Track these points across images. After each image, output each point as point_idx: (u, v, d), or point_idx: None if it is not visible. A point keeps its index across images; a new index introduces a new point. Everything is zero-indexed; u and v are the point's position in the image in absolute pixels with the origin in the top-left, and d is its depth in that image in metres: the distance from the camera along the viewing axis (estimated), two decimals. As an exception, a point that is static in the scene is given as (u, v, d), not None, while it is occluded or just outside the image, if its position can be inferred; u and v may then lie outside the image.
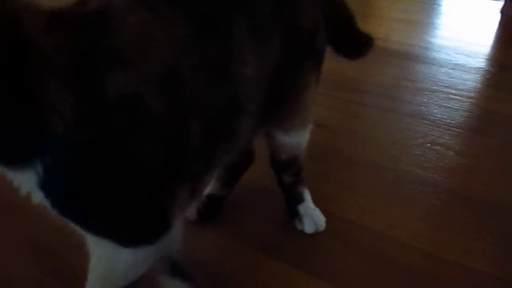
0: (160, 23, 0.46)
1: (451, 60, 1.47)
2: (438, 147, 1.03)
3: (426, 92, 1.27)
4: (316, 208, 0.81)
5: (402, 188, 0.90)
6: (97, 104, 0.41)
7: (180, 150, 0.48)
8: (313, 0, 0.66)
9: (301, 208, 0.80)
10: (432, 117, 1.14)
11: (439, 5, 2.17)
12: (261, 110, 0.57)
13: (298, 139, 0.76)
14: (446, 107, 1.20)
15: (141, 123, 0.44)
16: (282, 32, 0.58)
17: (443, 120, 1.13)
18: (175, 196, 0.50)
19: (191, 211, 0.58)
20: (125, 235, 0.48)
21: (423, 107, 1.19)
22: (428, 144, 1.04)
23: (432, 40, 1.67)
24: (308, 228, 0.79)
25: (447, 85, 1.31)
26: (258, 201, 0.88)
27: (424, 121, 1.13)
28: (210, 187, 0.83)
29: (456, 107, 1.20)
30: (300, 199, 0.81)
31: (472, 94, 1.27)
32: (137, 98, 0.43)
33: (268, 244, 0.78)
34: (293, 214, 0.81)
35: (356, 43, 0.80)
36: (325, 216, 0.81)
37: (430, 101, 1.23)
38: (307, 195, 0.81)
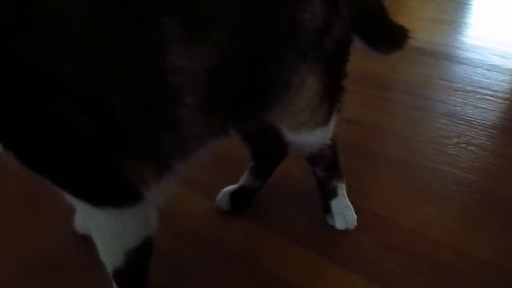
0: None
1: (485, 61, 1.45)
2: (473, 148, 1.02)
3: (461, 93, 1.26)
4: (349, 205, 0.81)
5: (436, 187, 0.90)
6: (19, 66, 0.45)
7: (104, 121, 0.50)
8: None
9: (334, 203, 0.81)
10: (467, 118, 1.14)
11: (470, 4, 2.14)
12: (222, 105, 0.57)
13: (309, 139, 0.75)
14: (481, 108, 1.19)
15: (54, 85, 0.47)
16: (254, 28, 0.57)
17: (478, 121, 1.12)
18: (131, 168, 0.54)
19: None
20: (87, 195, 0.54)
21: (457, 107, 1.18)
22: (463, 144, 1.03)
23: (466, 40, 1.65)
24: (339, 224, 0.80)
25: (482, 86, 1.30)
26: (293, 193, 0.89)
27: (459, 121, 1.12)
28: (242, 179, 0.84)
29: (491, 108, 1.18)
30: (333, 194, 0.82)
31: (508, 96, 1.25)
32: (53, 64, 0.46)
33: (301, 236, 0.79)
34: (326, 208, 0.82)
35: (390, 36, 0.79)
36: (358, 211, 0.82)
37: (464, 101, 1.22)
38: (341, 190, 0.82)
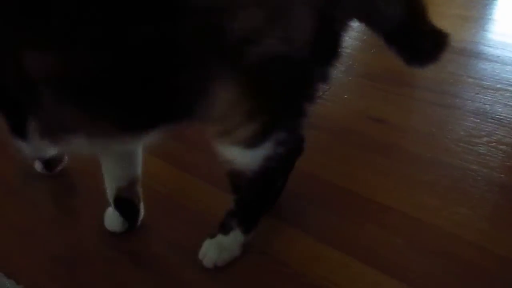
0: None
1: (515, 58, 1.43)
2: (504, 147, 1.00)
3: (490, 91, 1.24)
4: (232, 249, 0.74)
5: (468, 187, 0.89)
6: None
7: None
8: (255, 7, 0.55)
9: (219, 237, 0.74)
10: (497, 116, 1.12)
11: (500, 0, 2.10)
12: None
13: (229, 155, 0.66)
14: (511, 106, 1.16)
15: None
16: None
17: (509, 119, 1.10)
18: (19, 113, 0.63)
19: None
20: None
21: (487, 106, 1.16)
22: (494, 144, 1.01)
23: (494, 37, 1.62)
24: (207, 261, 0.73)
25: (511, 83, 1.27)
26: (317, 192, 0.89)
27: (489, 120, 1.10)
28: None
29: (522, 106, 1.16)
30: (224, 230, 0.74)
31: (539, 94, 1.23)
32: None
33: (329, 235, 0.79)
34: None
35: (430, 45, 0.71)
36: (387, 211, 0.82)
37: (494, 99, 1.19)
38: (234, 236, 0.73)
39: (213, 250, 0.73)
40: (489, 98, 1.20)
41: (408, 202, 0.85)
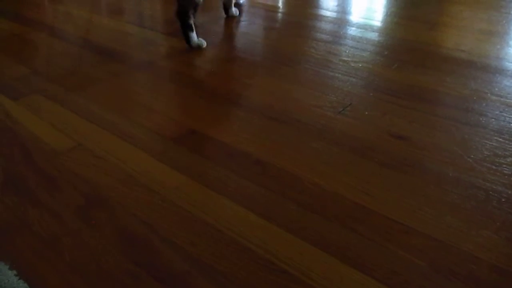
0: None
1: (541, 76, 1.41)
2: (529, 168, 0.99)
3: (515, 109, 1.22)
4: None
5: (492, 209, 0.88)
6: None
7: None
8: None
9: None
10: (522, 136, 1.10)
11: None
12: None
13: None
14: (536, 125, 1.15)
15: None
16: None
17: (534, 139, 1.09)
18: None
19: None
20: None
21: (511, 125, 1.15)
22: (519, 164, 1.00)
23: (519, 53, 1.60)
24: None
25: (537, 102, 1.26)
26: (339, 211, 0.89)
27: (514, 139, 1.09)
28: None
29: (548, 126, 1.14)
30: None
31: None
32: None
33: (350, 255, 0.79)
34: None
35: None
36: (410, 232, 0.82)
37: (519, 118, 1.18)
38: None
39: None
40: (514, 117, 1.19)
41: (431, 224, 0.85)
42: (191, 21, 1.67)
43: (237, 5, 2.18)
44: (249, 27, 2.01)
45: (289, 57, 1.62)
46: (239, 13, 2.09)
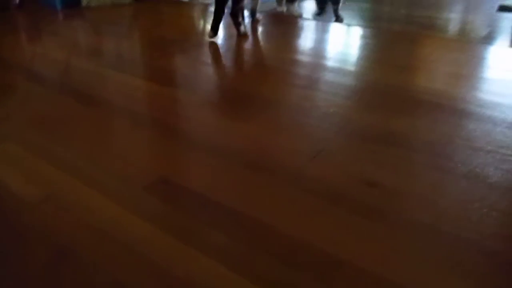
0: None
1: (506, 119, 1.46)
2: (495, 213, 1.01)
3: (481, 153, 1.26)
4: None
5: (460, 256, 0.89)
6: None
7: None
8: None
9: None
10: (488, 180, 1.13)
11: (488, 58, 2.16)
12: None
13: None
14: (502, 169, 1.18)
15: None
16: None
17: (500, 183, 1.12)
18: None
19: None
20: None
21: (478, 169, 1.18)
22: (485, 210, 1.02)
23: (485, 96, 1.66)
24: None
25: (502, 145, 1.30)
26: (310, 261, 0.89)
27: (480, 184, 1.12)
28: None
29: (513, 170, 1.18)
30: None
31: (530, 156, 1.25)
32: None
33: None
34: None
35: None
36: (380, 282, 0.82)
37: (485, 162, 1.22)
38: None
39: None
40: (481, 161, 1.22)
41: (402, 273, 0.85)
42: (240, 20, 2.55)
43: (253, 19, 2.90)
44: (223, 71, 2.04)
45: (264, 102, 1.65)
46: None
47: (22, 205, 1.07)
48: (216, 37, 2.48)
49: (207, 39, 2.48)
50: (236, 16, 2.53)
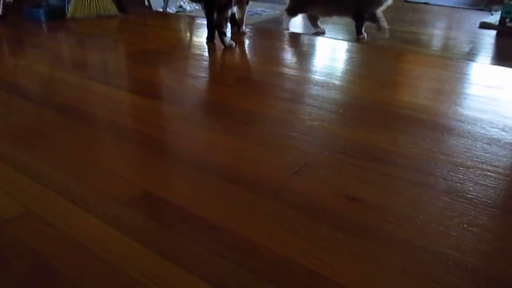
0: None
1: (485, 134, 1.48)
2: (474, 229, 1.03)
3: (461, 168, 1.28)
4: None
5: (439, 272, 0.90)
6: None
7: None
8: None
9: None
10: (468, 195, 1.15)
11: (470, 74, 2.21)
12: None
13: None
14: (482, 184, 1.20)
15: None
16: None
17: (479, 199, 1.13)
18: None
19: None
20: None
21: (458, 184, 1.20)
22: (465, 225, 1.04)
23: (465, 112, 1.68)
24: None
25: (482, 160, 1.32)
26: (290, 278, 0.89)
27: (460, 199, 1.13)
28: None
29: (492, 185, 1.20)
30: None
31: (509, 172, 1.27)
32: None
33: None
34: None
35: None
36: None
37: (465, 177, 1.23)
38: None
39: None
40: (460, 176, 1.24)
41: (381, 289, 0.86)
42: (224, 29, 2.55)
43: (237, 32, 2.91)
44: (207, 84, 2.05)
45: (248, 115, 1.65)
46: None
47: (0, 220, 1.05)
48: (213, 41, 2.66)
49: (204, 45, 2.49)
50: (220, 26, 2.53)
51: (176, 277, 0.89)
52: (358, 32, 2.81)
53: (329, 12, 2.89)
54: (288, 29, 3.03)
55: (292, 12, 3.03)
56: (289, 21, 3.05)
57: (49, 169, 1.28)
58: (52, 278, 0.88)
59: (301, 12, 3.06)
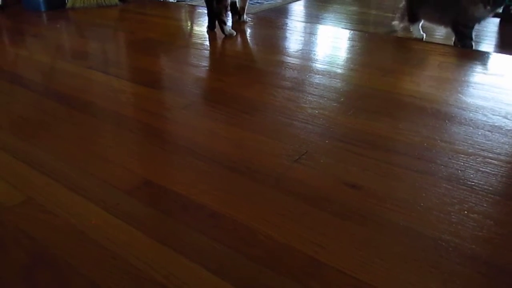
0: None
1: (487, 122, 1.48)
2: (475, 215, 1.02)
3: (463, 155, 1.27)
4: None
5: (439, 259, 0.90)
6: None
7: None
8: None
9: None
10: (469, 182, 1.14)
11: (472, 62, 2.19)
12: None
13: None
14: (483, 171, 1.19)
15: None
16: None
17: (480, 186, 1.13)
18: None
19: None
20: None
21: (459, 172, 1.19)
22: (465, 212, 1.03)
23: (467, 99, 1.67)
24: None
25: (484, 148, 1.31)
26: (291, 265, 0.89)
27: (461, 187, 1.13)
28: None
29: (494, 172, 1.19)
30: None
31: (511, 159, 1.26)
32: None
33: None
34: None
35: None
36: (357, 284, 0.82)
37: (466, 164, 1.23)
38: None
39: None
40: (462, 163, 1.23)
41: (382, 276, 0.86)
42: (224, 18, 2.53)
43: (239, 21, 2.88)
44: (208, 73, 2.04)
45: (248, 104, 1.65)
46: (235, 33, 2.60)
47: (1, 208, 1.06)
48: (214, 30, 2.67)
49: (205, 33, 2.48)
50: (219, 14, 2.52)
51: (177, 264, 0.89)
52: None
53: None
54: (422, 37, 2.56)
55: (413, 19, 2.55)
56: (418, 28, 2.57)
57: (49, 158, 1.28)
58: (52, 265, 0.88)
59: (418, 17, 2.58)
